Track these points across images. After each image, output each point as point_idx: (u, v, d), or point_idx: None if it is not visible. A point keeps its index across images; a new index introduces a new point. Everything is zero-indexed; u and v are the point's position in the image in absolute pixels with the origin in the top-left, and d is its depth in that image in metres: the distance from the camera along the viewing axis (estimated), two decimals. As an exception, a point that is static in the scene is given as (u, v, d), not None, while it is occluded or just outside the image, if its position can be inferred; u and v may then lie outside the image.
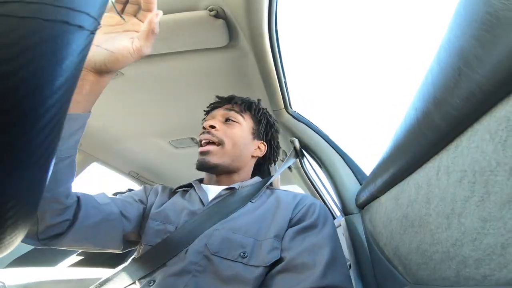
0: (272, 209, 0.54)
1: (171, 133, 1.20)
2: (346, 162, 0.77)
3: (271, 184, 0.67)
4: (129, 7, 0.44)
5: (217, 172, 0.63)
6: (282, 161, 1.21)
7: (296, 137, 0.87)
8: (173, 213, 0.56)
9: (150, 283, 0.45)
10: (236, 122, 0.66)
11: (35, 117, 0.14)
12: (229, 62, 0.83)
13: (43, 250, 1.34)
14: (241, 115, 0.67)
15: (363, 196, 0.58)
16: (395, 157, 0.36)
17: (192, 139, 1.24)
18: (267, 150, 0.71)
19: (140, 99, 0.98)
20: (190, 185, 0.65)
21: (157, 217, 0.56)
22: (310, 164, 0.89)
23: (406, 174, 0.34)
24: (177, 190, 0.65)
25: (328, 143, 0.82)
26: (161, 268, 0.47)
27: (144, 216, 0.59)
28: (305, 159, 0.91)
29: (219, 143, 0.62)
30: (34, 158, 0.14)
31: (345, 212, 0.70)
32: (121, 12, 0.44)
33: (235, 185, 0.60)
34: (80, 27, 0.16)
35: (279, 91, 0.84)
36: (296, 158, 0.89)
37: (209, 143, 0.62)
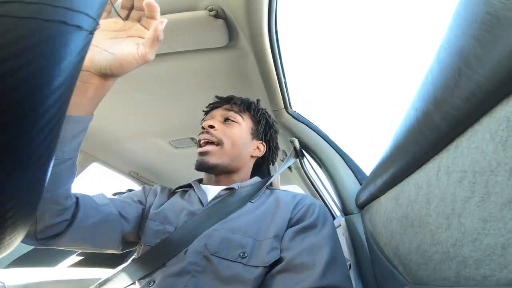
0: (272, 209, 0.54)
1: (171, 133, 1.20)
2: (346, 162, 0.77)
3: (271, 184, 0.67)
4: (134, 13, 0.45)
5: (216, 172, 0.63)
6: (282, 161, 1.21)
7: (296, 137, 0.87)
8: (173, 213, 0.56)
9: (149, 284, 0.45)
10: (235, 122, 0.66)
11: (34, 117, 0.14)
12: (229, 62, 0.83)
13: (43, 251, 1.34)
14: (240, 115, 0.67)
15: (363, 196, 0.58)
16: (395, 157, 0.36)
17: (192, 139, 1.24)
18: (266, 150, 0.71)
19: (140, 99, 0.98)
20: (189, 186, 0.65)
21: (156, 218, 0.56)
22: (310, 164, 0.89)
23: (406, 174, 0.34)
24: (176, 190, 0.65)
25: (328, 143, 0.82)
26: (161, 269, 0.47)
27: (143, 216, 0.59)
28: (305, 159, 0.91)
29: (218, 143, 0.62)
30: (34, 158, 0.14)
31: (345, 212, 0.70)
32: (126, 18, 0.45)
33: (235, 185, 0.60)
34: (79, 27, 0.16)
35: (279, 91, 0.84)
36: (296, 158, 0.89)
37: (208, 143, 0.62)
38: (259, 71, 0.78)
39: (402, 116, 0.34)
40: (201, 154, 0.61)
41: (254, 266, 0.44)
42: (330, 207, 1.15)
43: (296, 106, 0.93)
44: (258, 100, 0.74)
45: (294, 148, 0.86)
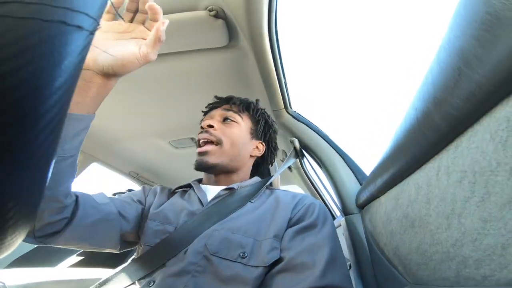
0: (272, 209, 0.54)
1: (171, 133, 1.20)
2: (346, 162, 0.77)
3: (271, 184, 0.67)
4: (138, 16, 0.46)
5: (215, 172, 0.63)
6: (282, 161, 1.21)
7: (296, 137, 0.87)
8: (172, 213, 0.56)
9: (149, 284, 0.45)
10: (234, 121, 0.66)
11: (35, 117, 0.14)
12: (229, 62, 0.83)
13: (43, 251, 1.35)
14: (239, 115, 0.67)
15: (363, 196, 0.58)
16: (395, 157, 0.36)
17: (192, 139, 1.24)
18: (265, 150, 0.72)
19: (140, 99, 0.98)
20: (189, 186, 0.65)
21: (156, 218, 0.56)
22: (310, 164, 0.89)
23: (406, 174, 0.34)
24: (176, 190, 0.65)
25: (328, 143, 0.82)
26: (161, 269, 0.47)
27: (142, 216, 0.59)
28: (305, 159, 0.91)
29: (217, 142, 0.62)
30: (34, 159, 0.14)
31: (345, 212, 0.70)
32: (130, 21, 0.46)
33: (234, 185, 0.60)
34: (79, 27, 0.16)
35: (279, 91, 0.84)
36: (296, 158, 0.89)
37: (208, 142, 0.62)
38: (259, 71, 0.78)
39: (402, 116, 0.34)
40: (200, 154, 0.61)
41: (254, 266, 0.44)
42: (330, 207, 1.15)
43: (296, 106, 0.93)
44: (257, 100, 0.74)
45: (294, 148, 0.86)
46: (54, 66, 0.14)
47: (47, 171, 0.16)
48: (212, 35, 0.72)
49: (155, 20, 0.44)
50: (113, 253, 0.58)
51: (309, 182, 1.21)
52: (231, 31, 0.72)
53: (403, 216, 0.36)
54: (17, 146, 0.13)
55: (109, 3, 0.44)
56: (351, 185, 0.72)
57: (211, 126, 0.63)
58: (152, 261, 0.48)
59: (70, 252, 1.47)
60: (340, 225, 0.73)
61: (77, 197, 0.48)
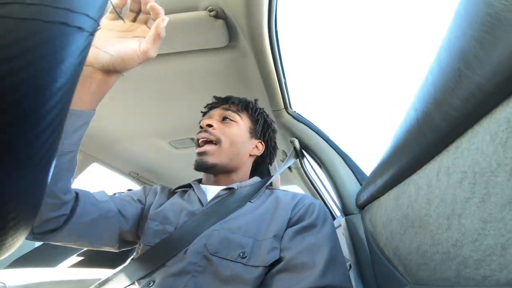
0: (271, 209, 0.54)
1: (171, 133, 1.20)
2: (346, 163, 0.77)
3: (270, 184, 0.68)
4: (141, 16, 0.48)
5: (215, 172, 0.63)
6: (282, 161, 1.21)
7: (296, 138, 0.87)
8: (172, 213, 0.56)
9: (149, 284, 0.45)
10: (234, 121, 0.66)
11: (36, 118, 0.14)
12: (229, 63, 0.83)
13: (43, 251, 1.34)
14: (238, 114, 0.67)
15: (363, 197, 0.58)
16: (395, 157, 0.36)
17: (192, 139, 1.24)
18: (264, 150, 0.72)
19: (140, 99, 0.98)
20: (189, 186, 0.65)
21: (156, 218, 0.56)
22: (310, 165, 0.89)
23: (406, 174, 0.34)
24: (176, 190, 0.65)
25: (328, 143, 0.82)
26: (161, 269, 0.47)
27: (142, 216, 0.59)
28: (305, 159, 0.91)
29: (217, 142, 0.62)
30: (35, 160, 0.14)
31: (345, 212, 0.70)
32: (133, 21, 0.48)
33: (234, 185, 0.60)
34: (80, 28, 0.16)
35: (279, 92, 0.84)
36: (296, 158, 0.89)
37: (207, 142, 0.62)
38: (259, 71, 0.78)
39: (402, 116, 0.34)
40: (200, 154, 0.61)
41: (254, 266, 0.44)
42: (330, 207, 1.15)
43: (296, 106, 0.93)
44: (256, 100, 0.75)
45: (294, 148, 0.86)
46: (54, 67, 0.14)
47: (48, 172, 0.16)
48: (212, 35, 0.72)
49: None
50: (113, 253, 0.58)
51: (309, 182, 1.21)
52: (231, 31, 0.72)
53: (403, 217, 0.36)
54: (17, 147, 0.13)
55: (109, 4, 0.44)
56: (351, 185, 0.72)
57: (210, 126, 0.63)
58: (152, 261, 0.48)
59: (70, 253, 1.47)
60: (340, 225, 0.73)
61: (77, 194, 0.48)
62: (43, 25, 0.14)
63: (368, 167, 0.68)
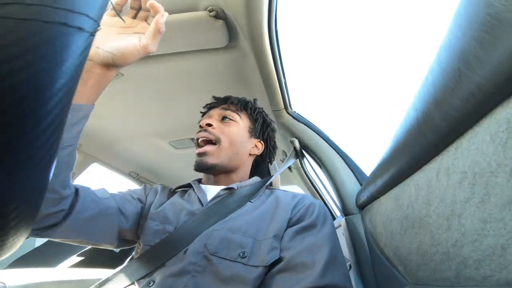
0: (271, 209, 0.54)
1: (171, 133, 1.20)
2: (346, 163, 0.77)
3: (270, 184, 0.68)
4: (141, 13, 0.49)
5: (214, 172, 0.63)
6: (282, 161, 1.21)
7: (296, 138, 0.87)
8: (172, 213, 0.56)
9: (149, 284, 0.45)
10: (233, 120, 0.66)
11: (36, 118, 0.14)
12: (229, 63, 0.83)
13: (43, 251, 1.35)
14: (238, 113, 0.67)
15: (363, 197, 0.58)
16: (395, 158, 0.36)
17: (192, 139, 1.24)
18: (264, 149, 0.72)
19: (140, 99, 0.98)
20: (189, 185, 0.65)
21: (156, 217, 0.56)
22: (310, 165, 0.89)
23: (406, 175, 0.34)
24: (176, 190, 0.65)
25: (328, 143, 0.82)
26: (160, 269, 0.47)
27: (142, 215, 0.59)
28: (305, 159, 0.91)
29: (216, 141, 0.62)
30: (36, 160, 0.14)
31: (345, 212, 0.70)
32: (134, 18, 0.49)
33: (234, 185, 0.60)
34: (80, 28, 0.16)
35: (279, 92, 0.84)
36: (296, 158, 0.89)
37: (206, 141, 0.63)
38: (259, 71, 0.78)
39: (402, 116, 0.34)
40: (200, 155, 0.61)
41: (254, 266, 0.44)
42: (330, 208, 1.15)
43: (296, 106, 0.93)
44: (255, 100, 0.75)
45: (294, 148, 0.86)
46: (55, 68, 0.14)
47: (48, 173, 0.16)
48: (212, 36, 0.72)
49: None
50: (113, 253, 0.58)
51: (309, 182, 1.21)
52: (231, 32, 0.72)
53: (403, 217, 0.36)
54: (18, 147, 0.13)
55: (109, 4, 0.45)
56: (351, 186, 0.72)
57: (209, 125, 0.63)
58: (152, 261, 0.48)
59: (70, 253, 1.47)
60: (340, 225, 0.73)
61: (77, 190, 0.48)
62: (43, 26, 0.14)
63: (368, 167, 0.68)
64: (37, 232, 0.44)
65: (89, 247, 1.49)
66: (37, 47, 0.14)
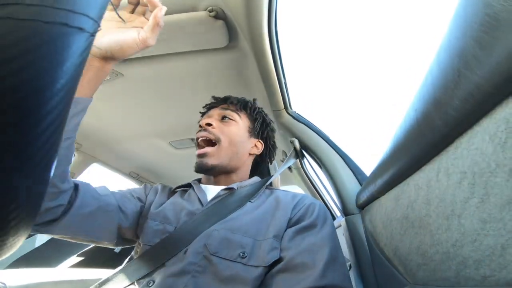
0: (271, 209, 0.54)
1: (171, 133, 1.20)
2: (346, 163, 0.77)
3: (270, 184, 0.68)
4: (139, 8, 0.49)
5: (215, 173, 0.63)
6: (282, 161, 1.21)
7: (296, 138, 0.87)
8: (172, 213, 0.56)
9: (149, 284, 0.45)
10: (233, 120, 0.66)
11: (37, 118, 0.14)
12: (229, 63, 0.83)
13: (44, 251, 1.35)
14: (237, 113, 0.67)
15: (363, 197, 0.58)
16: (395, 158, 0.36)
17: (192, 139, 1.24)
18: (263, 149, 0.72)
19: (140, 99, 0.98)
20: (189, 185, 0.65)
21: (156, 217, 0.56)
22: (310, 165, 0.89)
23: (406, 175, 0.34)
24: (176, 190, 0.65)
25: (328, 143, 0.82)
26: (160, 269, 0.47)
27: (142, 214, 0.59)
28: (305, 159, 0.91)
29: (216, 141, 0.62)
30: (36, 160, 0.15)
31: (345, 212, 0.70)
32: (132, 12, 0.50)
33: (234, 185, 0.60)
34: (80, 29, 0.16)
35: (279, 92, 0.84)
36: (296, 158, 0.89)
37: (206, 140, 0.63)
38: (259, 71, 0.78)
39: (402, 116, 0.34)
40: (200, 156, 0.61)
41: (254, 266, 0.44)
42: (330, 208, 1.15)
43: (296, 106, 0.93)
44: (254, 99, 0.75)
45: (294, 148, 0.86)
46: (55, 68, 0.14)
47: (48, 173, 0.16)
48: (212, 36, 0.72)
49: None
50: (113, 253, 0.58)
51: (309, 182, 1.21)
52: (231, 32, 0.72)
53: (403, 217, 0.36)
54: (18, 147, 0.13)
55: (109, 4, 0.45)
56: (351, 186, 0.72)
57: (209, 125, 0.63)
58: (152, 261, 0.48)
59: (70, 253, 1.47)
60: (340, 226, 0.73)
61: (77, 186, 0.49)
62: (44, 26, 0.14)
63: (368, 167, 0.68)
64: (36, 228, 0.45)
65: (89, 247, 1.50)
66: (37, 47, 0.14)
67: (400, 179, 0.36)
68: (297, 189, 1.45)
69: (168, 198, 0.63)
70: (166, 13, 0.67)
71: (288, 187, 1.52)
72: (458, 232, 0.24)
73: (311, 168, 0.90)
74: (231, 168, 0.64)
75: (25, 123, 0.13)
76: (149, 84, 0.91)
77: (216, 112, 0.68)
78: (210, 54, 0.79)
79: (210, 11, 0.66)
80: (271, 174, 0.81)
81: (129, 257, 0.59)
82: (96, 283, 0.49)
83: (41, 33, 0.14)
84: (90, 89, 0.45)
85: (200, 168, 0.61)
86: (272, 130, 0.76)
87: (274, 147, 0.76)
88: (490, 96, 0.19)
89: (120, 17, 0.47)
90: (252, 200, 0.57)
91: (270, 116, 0.78)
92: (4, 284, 0.90)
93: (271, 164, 0.79)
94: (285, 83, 0.83)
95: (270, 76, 0.78)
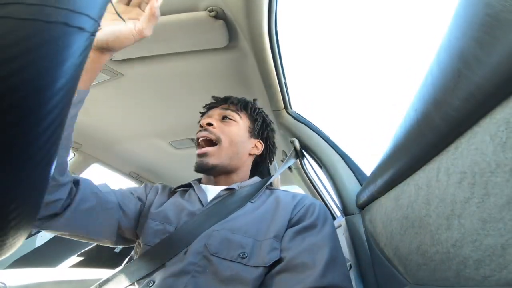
0: (272, 210, 0.54)
1: (171, 133, 1.20)
2: (346, 163, 0.77)
3: (271, 184, 0.68)
4: (135, 0, 0.49)
5: (215, 173, 0.63)
6: (282, 161, 1.21)
7: (296, 138, 0.87)
8: (173, 213, 0.56)
9: (149, 284, 0.45)
10: (233, 120, 0.66)
11: (37, 118, 0.14)
12: (229, 63, 0.83)
13: (44, 251, 1.35)
14: (238, 113, 0.67)
15: (364, 197, 0.58)
16: (395, 158, 0.36)
17: (192, 139, 1.24)
18: (263, 149, 0.72)
19: (140, 99, 0.98)
20: (189, 185, 0.65)
21: (157, 217, 0.56)
22: (310, 165, 0.89)
23: (406, 175, 0.34)
24: (177, 190, 0.65)
25: (328, 143, 0.82)
26: (161, 269, 0.47)
27: (142, 214, 0.59)
28: (305, 159, 0.91)
29: (217, 141, 0.62)
30: (36, 160, 0.15)
31: (346, 212, 0.70)
32: (127, 4, 0.49)
33: (234, 186, 0.60)
34: (81, 28, 0.16)
35: (279, 92, 0.84)
36: (296, 158, 0.89)
37: (207, 140, 0.63)
38: (259, 71, 0.78)
39: (402, 116, 0.34)
40: (200, 155, 0.61)
41: (254, 266, 0.44)
42: (330, 208, 1.15)
43: (296, 106, 0.93)
44: (254, 100, 0.75)
45: (294, 148, 0.86)
46: (56, 67, 0.14)
47: (48, 172, 0.16)
48: (212, 36, 0.72)
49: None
50: (113, 253, 0.58)
51: (309, 182, 1.21)
52: (231, 32, 0.72)
53: (403, 217, 0.36)
54: (18, 147, 0.13)
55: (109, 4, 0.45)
56: (351, 186, 0.72)
57: (210, 124, 0.63)
58: (152, 261, 0.48)
59: (70, 253, 1.47)
60: (340, 226, 0.73)
61: (78, 181, 0.49)
62: (44, 26, 0.14)
63: (368, 167, 0.68)
64: (37, 224, 0.45)
65: (89, 247, 1.50)
66: (37, 47, 0.14)
67: (400, 179, 0.36)
68: (297, 189, 1.45)
69: (169, 198, 0.63)
70: (166, 13, 0.67)
71: (288, 187, 1.52)
72: (458, 232, 0.24)
73: (311, 168, 0.90)
74: (231, 168, 0.64)
75: (26, 122, 0.13)
76: (149, 84, 0.91)
77: (216, 112, 0.68)
78: (210, 54, 0.79)
79: (210, 11, 0.66)
80: (271, 174, 0.81)
81: (129, 257, 0.59)
82: (96, 283, 0.49)
83: (42, 32, 0.14)
84: (86, 80, 0.45)
85: (200, 168, 0.61)
86: (272, 131, 0.76)
87: (274, 147, 0.76)
88: (491, 96, 0.19)
89: (121, 17, 0.47)
90: (252, 201, 0.57)
91: (270, 116, 0.78)
92: (4, 284, 0.90)
93: (271, 164, 0.79)
94: (285, 83, 0.83)
95: (270, 76, 0.78)
